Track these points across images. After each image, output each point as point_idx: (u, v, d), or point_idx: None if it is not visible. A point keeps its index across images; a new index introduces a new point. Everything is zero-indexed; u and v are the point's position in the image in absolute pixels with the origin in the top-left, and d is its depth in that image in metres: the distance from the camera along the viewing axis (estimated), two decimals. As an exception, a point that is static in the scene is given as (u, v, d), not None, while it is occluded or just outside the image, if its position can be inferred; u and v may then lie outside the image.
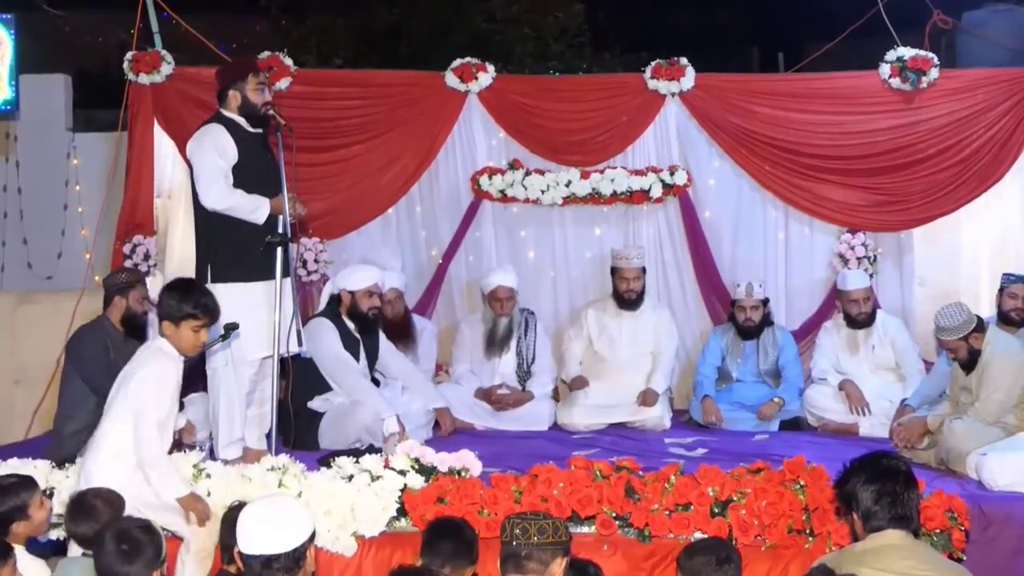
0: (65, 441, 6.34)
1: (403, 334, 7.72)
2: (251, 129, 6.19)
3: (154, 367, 5.05)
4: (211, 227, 6.10)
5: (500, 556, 3.80)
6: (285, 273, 6.01)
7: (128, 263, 8.12)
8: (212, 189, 5.98)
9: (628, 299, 7.88)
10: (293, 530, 3.58)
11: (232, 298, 6.02)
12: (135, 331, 6.72)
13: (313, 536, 3.69)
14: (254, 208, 6.01)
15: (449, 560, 4.34)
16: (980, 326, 6.35)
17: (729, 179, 8.33)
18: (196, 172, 6.07)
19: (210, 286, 6.07)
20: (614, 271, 7.95)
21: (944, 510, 4.95)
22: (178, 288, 5.07)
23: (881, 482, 3.98)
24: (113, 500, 4.75)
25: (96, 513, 4.63)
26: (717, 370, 7.88)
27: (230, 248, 6.05)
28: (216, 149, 6.02)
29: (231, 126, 6.12)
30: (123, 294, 6.68)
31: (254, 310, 6.02)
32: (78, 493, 4.88)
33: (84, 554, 4.61)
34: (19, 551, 4.51)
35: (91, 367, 6.47)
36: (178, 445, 5.82)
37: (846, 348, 7.68)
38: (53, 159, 9.35)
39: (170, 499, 5.00)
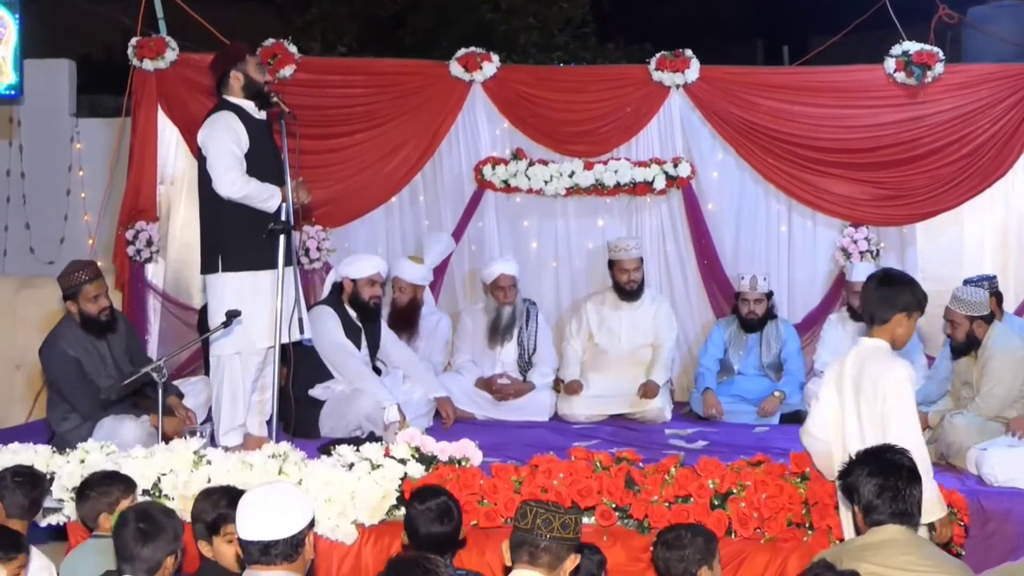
0: (66, 437, 6.21)
1: (405, 324, 7.72)
2: (257, 116, 6.17)
3: (891, 370, 4.51)
4: (221, 216, 6.08)
5: (513, 539, 3.74)
6: (288, 261, 6.01)
7: (130, 249, 8.16)
8: (228, 177, 5.96)
9: (629, 290, 7.88)
10: (292, 517, 3.57)
11: (243, 287, 6.04)
12: (101, 330, 6.45)
13: (312, 523, 3.68)
14: (267, 197, 6.01)
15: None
16: (990, 318, 6.36)
17: (732, 172, 8.33)
18: (211, 159, 6.03)
19: (221, 275, 6.08)
20: (612, 263, 7.96)
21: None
22: (896, 278, 4.68)
23: (883, 476, 3.97)
24: (115, 487, 4.76)
25: (92, 495, 4.69)
26: (719, 362, 7.88)
27: (240, 237, 6.05)
28: (230, 136, 6.01)
29: (239, 113, 6.10)
30: (72, 299, 6.37)
31: (264, 299, 6.03)
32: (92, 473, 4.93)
33: (94, 535, 4.64)
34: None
35: (62, 387, 6.38)
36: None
37: (851, 341, 7.63)
38: (56, 144, 9.33)
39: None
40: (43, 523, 5.40)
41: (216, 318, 6.08)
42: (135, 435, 6.16)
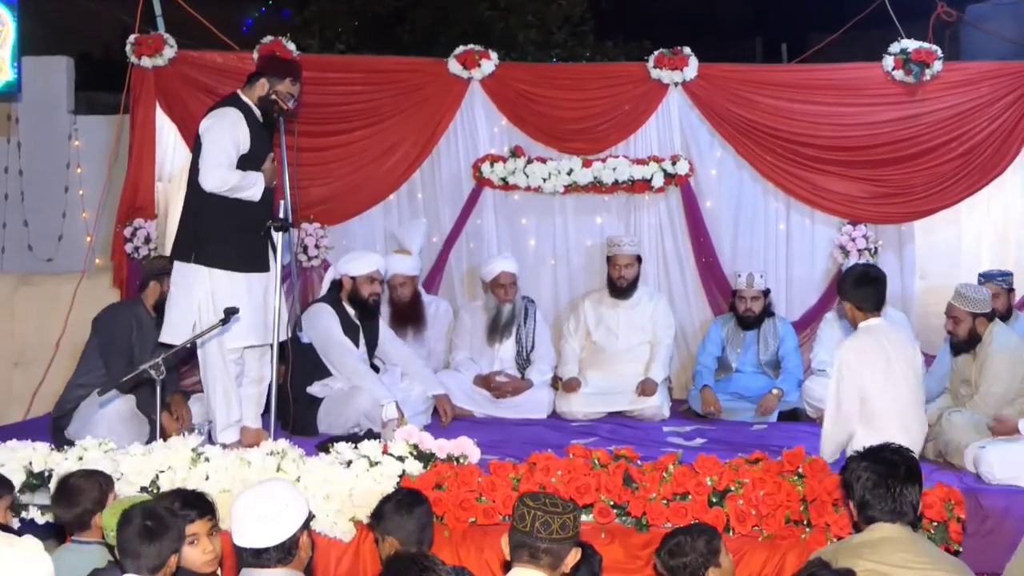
0: (69, 403, 6.52)
1: (413, 318, 7.73)
2: (260, 118, 6.17)
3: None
4: (203, 211, 6.08)
5: (512, 540, 3.66)
6: (285, 257, 6.01)
7: (128, 246, 8.16)
8: (216, 173, 5.95)
9: (619, 286, 7.88)
10: (283, 523, 3.58)
11: (217, 284, 6.04)
12: None
13: (306, 524, 3.68)
14: (252, 184, 6.03)
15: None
16: (991, 315, 6.37)
17: (731, 169, 8.34)
18: (205, 150, 6.01)
19: (193, 266, 6.06)
20: (609, 259, 7.96)
21: (944, 502, 4.95)
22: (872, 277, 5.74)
23: (878, 474, 3.98)
24: (99, 481, 4.69)
25: (81, 496, 4.59)
26: (717, 360, 7.88)
27: (220, 236, 6.04)
28: (231, 135, 6.00)
29: (248, 115, 6.10)
30: (159, 280, 6.68)
31: (237, 299, 5.98)
32: (63, 475, 4.84)
33: (74, 540, 4.58)
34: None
35: (111, 342, 6.56)
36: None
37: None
38: (55, 141, 9.34)
39: None
40: (41, 520, 5.40)
41: (174, 304, 6.13)
42: (117, 411, 6.30)
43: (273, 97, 6.13)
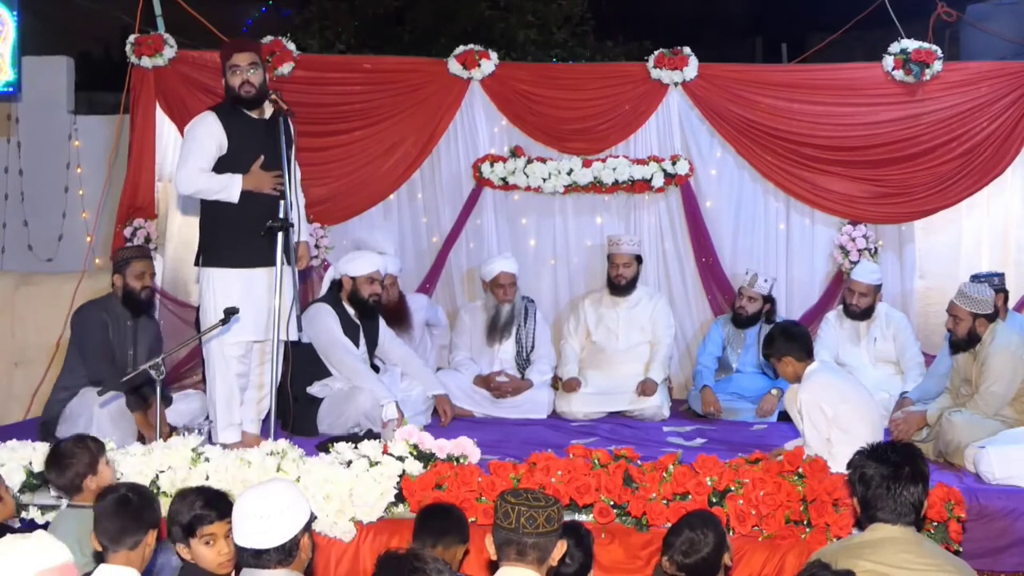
0: (55, 406, 6.53)
1: (399, 319, 7.73)
2: (252, 115, 6.15)
3: None
4: (204, 214, 6.17)
5: (498, 539, 3.65)
6: (286, 258, 5.99)
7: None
8: (180, 174, 6.05)
9: (617, 284, 7.88)
10: (283, 525, 3.58)
11: (216, 283, 6.08)
12: (137, 307, 6.73)
13: (308, 526, 3.68)
14: (222, 188, 6.01)
15: (439, 538, 4.42)
16: (993, 316, 6.36)
17: (731, 169, 8.34)
18: (179, 157, 6.15)
19: (202, 269, 6.13)
20: (608, 258, 7.97)
21: (944, 502, 4.95)
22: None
23: (881, 474, 3.97)
24: (90, 446, 4.75)
25: (73, 459, 4.67)
26: (717, 360, 7.87)
27: (219, 237, 6.09)
28: (199, 137, 6.03)
29: (231, 114, 6.08)
30: (120, 272, 6.68)
31: (237, 297, 6.00)
32: (56, 442, 4.94)
33: (69, 505, 4.68)
34: None
35: (87, 344, 6.53)
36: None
37: (848, 339, 7.65)
38: (55, 141, 9.34)
39: None
40: (41, 520, 5.39)
41: (201, 311, 6.23)
42: (108, 412, 6.31)
43: (274, 97, 6.09)
